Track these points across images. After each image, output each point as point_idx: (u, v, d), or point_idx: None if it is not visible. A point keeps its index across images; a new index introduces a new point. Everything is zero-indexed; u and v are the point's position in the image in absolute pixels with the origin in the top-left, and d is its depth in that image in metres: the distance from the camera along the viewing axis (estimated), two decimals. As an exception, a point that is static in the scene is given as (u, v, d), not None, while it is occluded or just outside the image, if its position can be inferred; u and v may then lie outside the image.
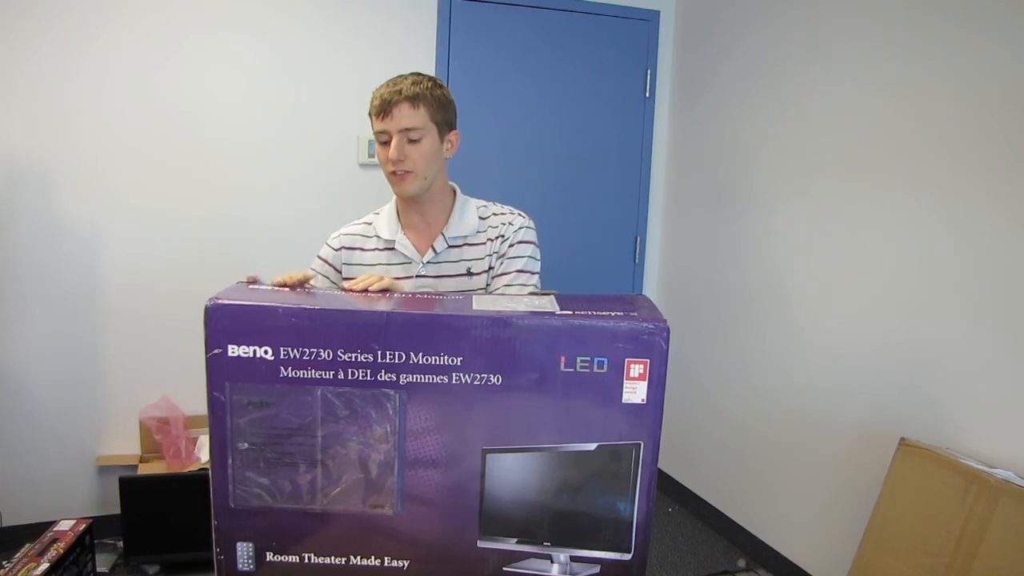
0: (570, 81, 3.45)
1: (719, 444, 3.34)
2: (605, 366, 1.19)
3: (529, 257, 1.71)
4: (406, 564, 1.25)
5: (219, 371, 1.18)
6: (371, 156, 3.22)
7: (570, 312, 1.21)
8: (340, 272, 1.74)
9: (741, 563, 3.06)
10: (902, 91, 2.40)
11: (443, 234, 1.69)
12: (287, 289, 1.33)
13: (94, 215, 2.92)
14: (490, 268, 1.70)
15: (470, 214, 1.72)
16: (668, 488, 3.70)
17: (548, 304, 1.26)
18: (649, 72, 3.56)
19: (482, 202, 1.77)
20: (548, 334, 1.18)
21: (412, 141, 1.61)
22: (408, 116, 1.59)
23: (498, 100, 3.38)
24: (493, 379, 1.18)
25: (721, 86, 3.27)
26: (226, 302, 1.18)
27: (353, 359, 1.17)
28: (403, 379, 1.18)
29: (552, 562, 1.26)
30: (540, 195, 3.51)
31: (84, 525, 2.50)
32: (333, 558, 1.25)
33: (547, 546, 1.26)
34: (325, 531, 1.24)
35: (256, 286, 1.32)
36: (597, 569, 1.26)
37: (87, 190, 2.91)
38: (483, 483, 1.22)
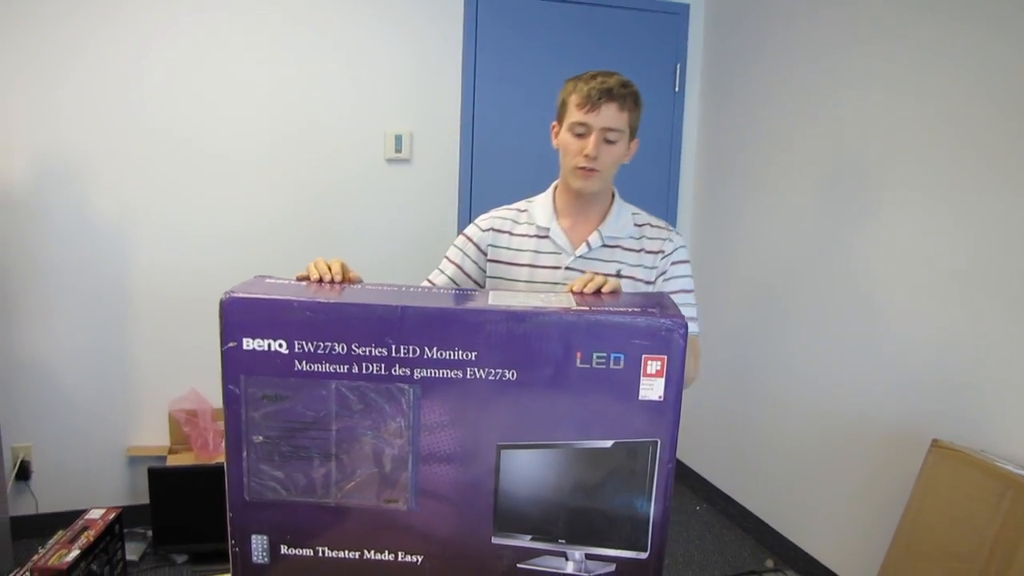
0: (599, 75, 3.41)
1: (748, 442, 3.30)
2: (622, 362, 1.17)
3: (690, 277, 1.73)
4: (420, 559, 1.25)
5: (234, 364, 1.18)
6: (397, 151, 3.22)
7: (587, 308, 1.19)
8: (485, 254, 1.75)
9: (769, 563, 3.02)
10: (934, 88, 2.34)
11: (599, 231, 1.69)
12: (305, 283, 1.34)
13: (124, 211, 2.96)
14: (652, 282, 1.70)
15: (625, 217, 1.73)
16: (696, 486, 3.67)
17: (566, 300, 1.25)
18: (679, 67, 3.52)
19: (635, 208, 1.78)
20: (564, 329, 1.16)
21: (608, 142, 1.62)
22: (614, 117, 1.60)
23: (525, 93, 3.36)
24: (508, 374, 1.17)
25: (752, 81, 3.22)
26: (241, 295, 1.18)
27: (367, 353, 1.17)
28: (417, 373, 1.17)
29: (567, 559, 1.25)
30: (568, 190, 3.49)
31: (114, 514, 2.52)
32: (347, 552, 1.25)
33: (562, 543, 1.24)
34: (339, 525, 1.24)
35: (274, 280, 1.32)
36: (612, 567, 1.25)
37: (117, 187, 2.95)
38: (497, 479, 1.21)
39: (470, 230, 1.79)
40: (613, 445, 1.21)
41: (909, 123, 2.44)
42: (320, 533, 1.25)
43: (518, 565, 1.24)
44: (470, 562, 1.25)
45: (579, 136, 1.62)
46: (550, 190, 1.79)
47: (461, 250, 1.78)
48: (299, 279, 1.36)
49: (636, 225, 1.73)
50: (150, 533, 2.89)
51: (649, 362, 1.18)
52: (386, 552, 1.25)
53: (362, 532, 1.24)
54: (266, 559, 1.26)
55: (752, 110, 3.22)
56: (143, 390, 3.05)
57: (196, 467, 2.83)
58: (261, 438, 1.21)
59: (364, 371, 1.17)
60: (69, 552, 2.32)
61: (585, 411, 1.19)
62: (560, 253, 1.69)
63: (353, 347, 1.17)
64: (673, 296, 1.63)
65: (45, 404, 2.96)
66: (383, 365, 1.17)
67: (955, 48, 2.28)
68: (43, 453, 2.98)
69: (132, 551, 2.85)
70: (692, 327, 1.68)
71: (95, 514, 2.53)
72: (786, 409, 3.04)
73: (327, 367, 1.17)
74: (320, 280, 1.35)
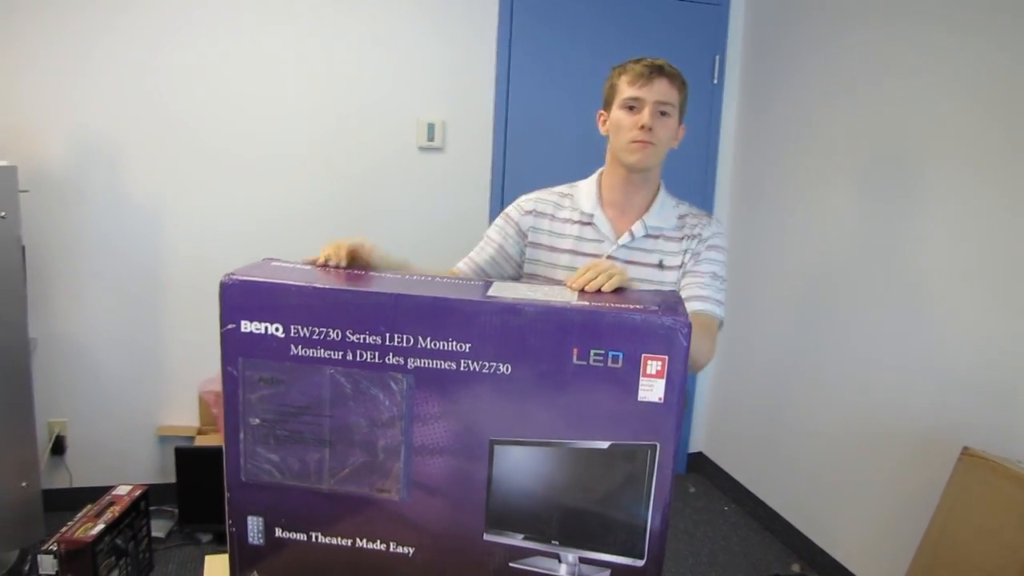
0: (636, 66, 3.36)
1: (780, 444, 3.23)
2: (620, 361, 1.12)
3: (723, 263, 1.72)
4: (412, 551, 1.23)
5: (232, 346, 1.18)
6: (430, 140, 3.22)
7: (587, 303, 1.16)
8: (525, 236, 1.76)
9: (796, 568, 2.96)
10: (981, 79, 2.25)
11: (644, 220, 1.69)
12: (310, 267, 1.33)
13: (159, 192, 3.00)
14: (682, 264, 1.70)
15: (670, 208, 1.73)
16: (725, 486, 3.61)
17: (567, 294, 1.22)
18: (717, 58, 3.45)
19: (678, 201, 1.78)
20: (560, 324, 1.12)
21: (663, 114, 1.63)
22: (666, 91, 1.62)
23: (559, 83, 3.32)
24: (502, 368, 1.14)
25: (792, 72, 3.14)
26: (240, 278, 1.19)
27: (361, 340, 1.15)
28: (411, 363, 1.15)
29: (560, 562, 1.22)
30: (602, 182, 3.45)
31: (139, 491, 2.58)
32: (340, 539, 1.25)
33: (555, 544, 1.21)
34: (332, 512, 1.24)
35: (280, 263, 1.32)
36: (607, 573, 1.21)
37: (152, 173, 2.99)
38: (490, 475, 1.18)
39: (512, 211, 1.79)
40: (610, 447, 1.16)
41: (955, 116, 2.36)
42: (313, 518, 1.25)
43: (510, 564, 1.22)
44: (461, 557, 1.23)
45: (632, 110, 1.64)
46: (595, 176, 1.79)
47: (503, 229, 1.78)
48: (307, 263, 1.36)
49: (680, 216, 1.73)
50: (177, 511, 2.94)
51: (649, 362, 1.13)
52: (378, 542, 1.24)
53: (354, 520, 1.24)
54: (261, 540, 1.27)
55: (793, 102, 3.14)
56: (174, 371, 3.10)
57: (221, 448, 2.86)
58: (257, 420, 1.21)
59: (358, 358, 1.16)
60: (95, 526, 2.37)
61: (581, 410, 1.15)
62: (603, 241, 1.70)
63: (348, 334, 1.15)
64: (701, 277, 1.67)
65: (80, 382, 3.03)
66: (377, 353, 1.16)
67: (1002, 36, 2.19)
68: (78, 429, 3.05)
69: (159, 528, 2.90)
70: (716, 309, 1.68)
71: (122, 490, 2.59)
72: (819, 411, 2.97)
73: (322, 352, 1.16)
74: (325, 264, 1.34)
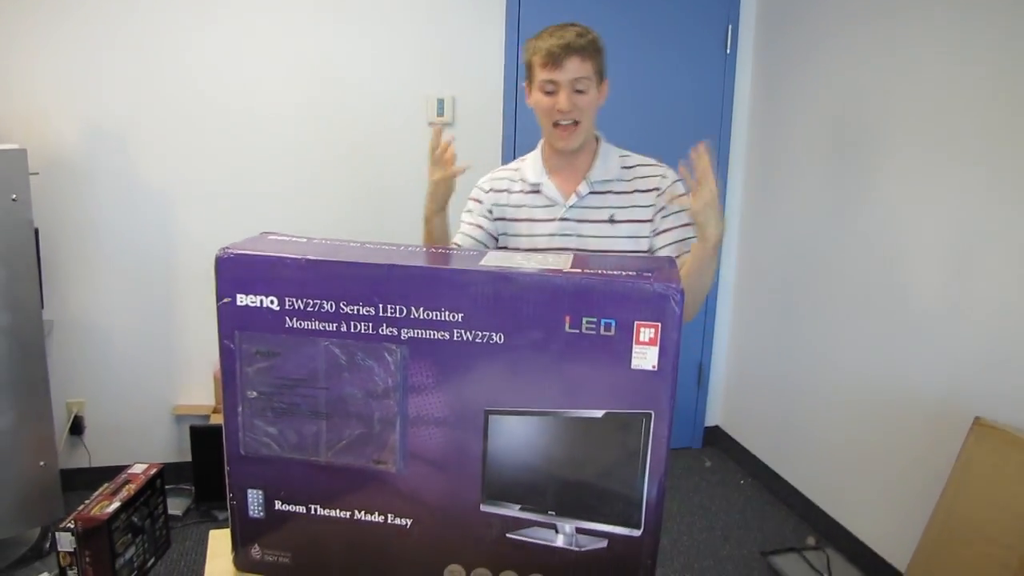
0: (645, 37, 3.32)
1: (795, 417, 3.21)
2: (613, 328, 1.11)
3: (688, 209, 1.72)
4: (409, 523, 1.24)
5: (229, 320, 1.19)
6: (440, 115, 3.20)
7: (579, 270, 1.14)
8: (492, 213, 1.81)
9: (811, 540, 2.94)
10: (1000, 53, 2.20)
11: (587, 178, 1.73)
12: (305, 240, 1.33)
13: (171, 173, 3.02)
14: (650, 220, 1.72)
15: (612, 160, 1.76)
16: (741, 459, 3.60)
17: (561, 262, 1.20)
18: (730, 28, 3.39)
19: (623, 151, 1.80)
20: (552, 292, 1.11)
21: (579, 91, 1.66)
22: (577, 68, 1.64)
23: (571, 58, 3.29)
24: (495, 337, 1.14)
25: (809, 43, 3.08)
26: (236, 252, 1.18)
27: (355, 311, 1.16)
28: (404, 334, 1.15)
29: (557, 532, 1.22)
30: (613, 156, 3.41)
31: (155, 469, 2.60)
32: (338, 511, 1.25)
33: (552, 515, 1.21)
34: (330, 483, 1.24)
35: (277, 237, 1.32)
36: (604, 543, 1.21)
37: (164, 153, 3.01)
38: (485, 445, 1.18)
39: (475, 193, 1.85)
40: (604, 416, 1.16)
41: (965, 92, 2.30)
42: (312, 490, 1.25)
43: (507, 535, 1.22)
44: (459, 529, 1.23)
45: (549, 94, 1.67)
46: (539, 145, 1.83)
47: (479, 214, 1.83)
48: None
49: (625, 167, 1.76)
50: (194, 489, 2.98)
51: (642, 329, 1.12)
52: (376, 513, 1.24)
53: (352, 492, 1.24)
54: (261, 513, 1.27)
55: (809, 74, 3.08)
56: (188, 351, 3.13)
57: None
58: (255, 393, 1.21)
59: (352, 330, 1.16)
60: (110, 504, 2.40)
61: (575, 378, 1.14)
62: (553, 205, 1.74)
63: (342, 305, 1.16)
64: (678, 228, 1.70)
65: (97, 362, 3.07)
66: (371, 324, 1.16)
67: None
68: (96, 409, 3.09)
69: (176, 506, 2.94)
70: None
71: (137, 468, 2.62)
72: (834, 384, 2.94)
73: (316, 324, 1.17)
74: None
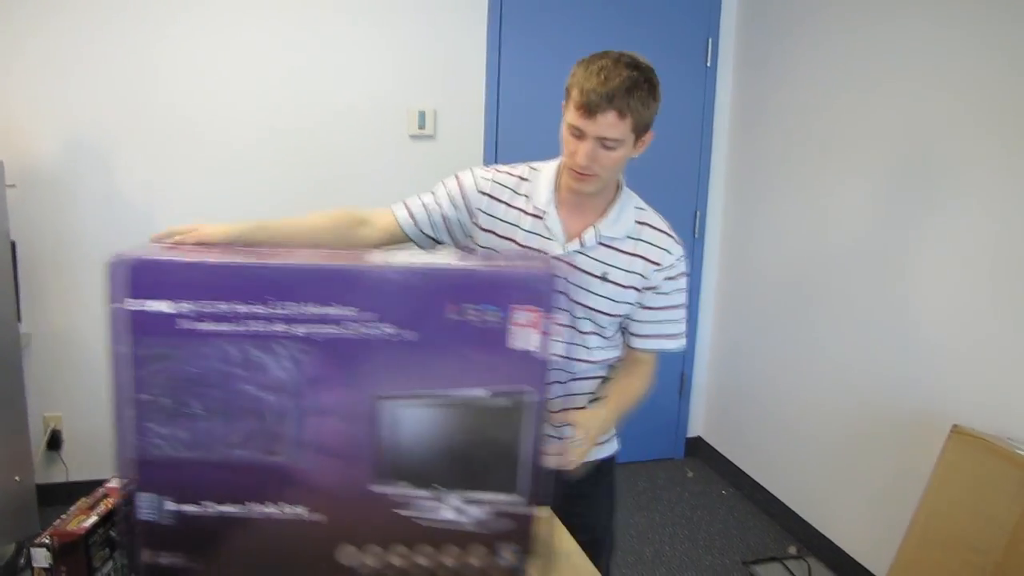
0: (627, 48, 3.33)
1: (777, 428, 3.22)
2: (493, 314, 1.22)
3: (683, 291, 1.63)
4: (305, 511, 1.27)
5: (120, 325, 1.21)
6: (421, 128, 3.21)
7: (460, 263, 1.24)
8: (474, 215, 1.62)
9: (792, 550, 2.96)
10: (978, 69, 2.23)
11: (596, 228, 1.56)
12: (195, 244, 1.40)
13: (150, 185, 3.00)
14: (634, 288, 1.58)
15: (628, 214, 1.59)
16: (723, 470, 3.61)
17: (445, 256, 1.29)
18: (711, 41, 3.42)
19: (641, 204, 1.64)
20: (436, 282, 1.20)
21: (607, 148, 1.47)
22: (611, 126, 1.44)
23: (552, 68, 3.28)
24: (385, 328, 1.21)
25: (789, 57, 3.11)
26: (127, 257, 1.21)
27: (248, 311, 1.20)
28: (297, 330, 1.20)
29: (445, 505, 1.29)
30: (594, 168, 3.43)
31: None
32: (233, 506, 1.27)
33: (440, 489, 1.28)
34: (225, 479, 1.26)
35: (165, 244, 1.38)
36: (489, 512, 1.30)
37: (142, 166, 2.99)
38: (376, 431, 1.25)
39: (467, 182, 1.64)
40: (487, 394, 1.25)
41: (949, 107, 2.34)
42: (206, 488, 1.27)
43: (396, 511, 1.28)
44: (353, 512, 1.28)
45: (576, 137, 1.47)
46: (555, 165, 1.63)
47: (454, 201, 1.64)
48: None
49: (637, 223, 1.59)
50: (173, 503, 2.95)
51: (519, 313, 1.22)
52: (271, 505, 1.27)
53: (247, 486, 1.27)
54: (153, 516, 1.27)
55: (789, 86, 3.12)
56: (169, 363, 3.10)
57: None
58: (147, 396, 1.22)
59: (246, 329, 1.20)
60: (88, 518, 2.37)
61: (460, 362, 1.23)
62: (552, 240, 1.56)
63: (234, 305, 1.20)
64: (660, 311, 1.61)
65: (75, 376, 3.04)
66: (264, 322, 1.20)
67: (1003, 25, 2.17)
68: (73, 423, 3.06)
69: (155, 520, 2.91)
70: (668, 344, 1.65)
71: (116, 483, 2.60)
72: (815, 394, 2.96)
73: (210, 325, 1.20)
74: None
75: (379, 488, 1.27)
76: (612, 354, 1.66)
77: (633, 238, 1.57)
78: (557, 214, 1.57)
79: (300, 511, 1.27)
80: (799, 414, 3.06)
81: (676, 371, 3.74)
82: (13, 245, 2.53)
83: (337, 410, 1.24)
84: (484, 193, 1.62)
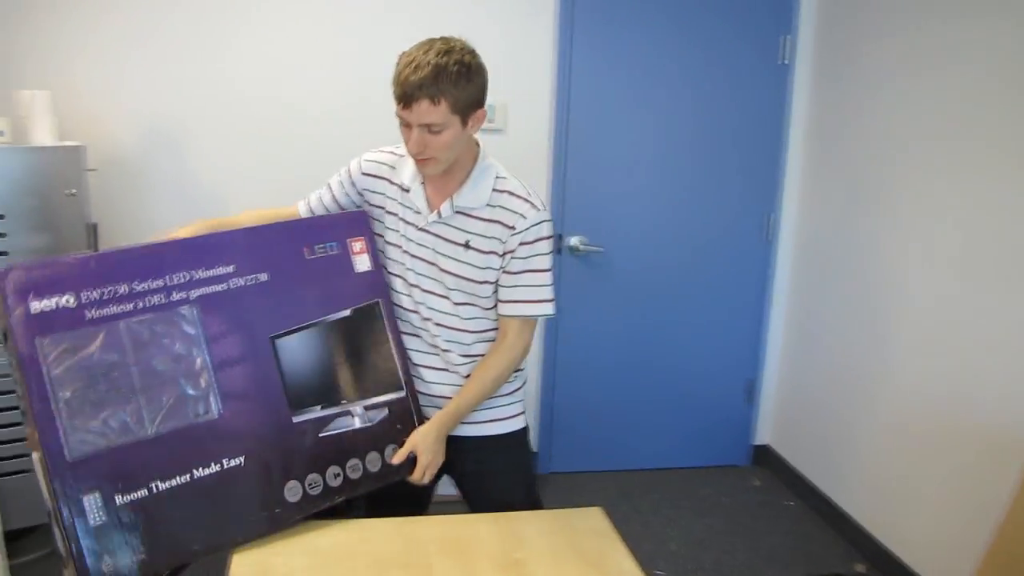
0: (698, 47, 3.27)
1: (848, 439, 3.10)
2: (336, 249, 1.56)
3: (544, 255, 1.67)
4: (243, 459, 1.40)
5: (26, 329, 1.24)
6: (490, 121, 3.19)
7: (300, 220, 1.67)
8: (361, 195, 1.77)
9: (859, 568, 2.85)
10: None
11: (452, 199, 1.65)
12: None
13: (224, 173, 3.08)
14: (495, 253, 1.65)
15: (484, 185, 1.65)
16: (789, 480, 3.50)
17: (289, 212, 1.77)
18: (788, 39, 3.31)
19: (503, 173, 1.69)
20: (290, 232, 1.54)
21: (433, 132, 1.54)
22: (427, 112, 1.52)
23: (620, 61, 3.26)
24: (262, 277, 1.46)
25: (870, 55, 2.99)
26: (18, 264, 1.27)
27: (147, 288, 1.34)
28: (193, 294, 1.38)
29: (353, 416, 1.53)
30: (663, 167, 3.38)
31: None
32: (179, 477, 1.34)
33: (345, 403, 1.52)
34: (164, 454, 1.33)
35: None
36: (386, 411, 1.58)
37: (219, 149, 3.07)
38: (279, 365, 1.45)
39: (353, 168, 1.78)
40: (351, 312, 1.56)
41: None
42: (150, 469, 1.32)
43: (320, 435, 1.48)
44: (283, 445, 1.44)
45: (405, 127, 1.57)
46: None
47: (342, 185, 1.80)
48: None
49: (495, 190, 1.65)
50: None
51: (353, 243, 1.58)
52: (212, 464, 1.37)
53: (186, 453, 1.35)
54: (103, 518, 1.27)
55: (871, 85, 2.99)
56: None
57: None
58: (69, 392, 1.26)
59: (148, 304, 1.34)
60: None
61: (324, 291, 1.53)
62: (420, 213, 1.68)
63: (133, 285, 1.33)
64: (519, 275, 1.66)
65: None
66: (162, 295, 1.35)
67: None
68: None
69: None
70: (542, 309, 1.71)
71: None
72: (888, 404, 2.84)
73: (114, 309, 1.31)
74: None
75: (300, 417, 1.47)
76: (490, 325, 1.75)
77: (491, 205, 1.64)
78: (423, 190, 1.68)
79: (240, 461, 1.40)
80: (872, 426, 2.94)
81: (744, 376, 3.65)
82: (95, 227, 2.61)
83: (243, 357, 1.42)
84: (367, 174, 1.76)
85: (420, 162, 1.61)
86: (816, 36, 3.33)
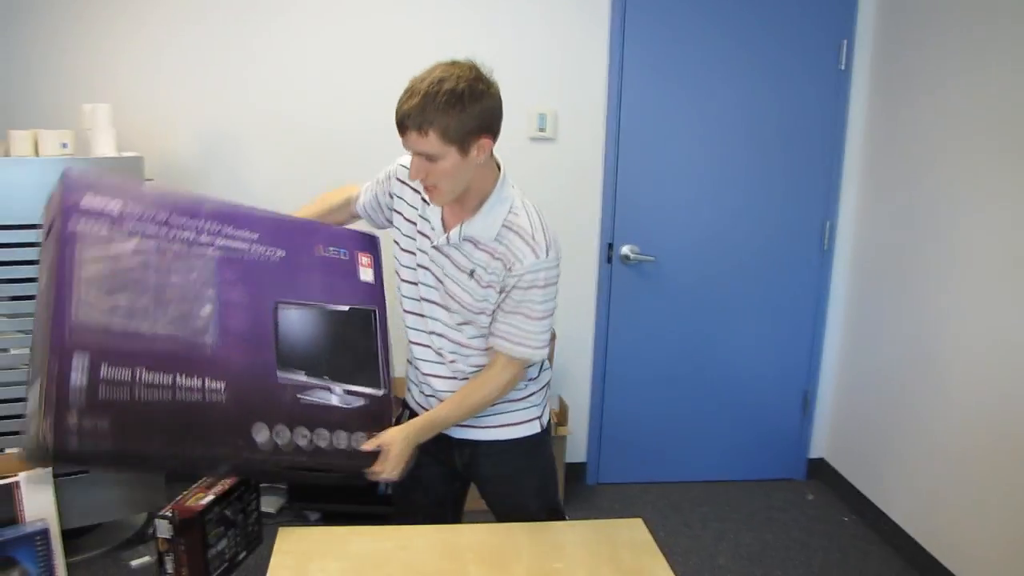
0: (752, 53, 3.22)
1: (907, 454, 3.01)
2: (345, 255, 1.72)
3: (532, 301, 1.63)
4: (223, 386, 1.48)
5: (71, 216, 1.39)
6: (541, 130, 3.21)
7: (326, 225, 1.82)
8: (390, 198, 1.79)
9: (917, 587, 2.76)
10: None
11: (462, 227, 1.63)
12: None
13: (278, 182, 3.13)
14: (493, 286, 1.64)
15: (495, 217, 1.63)
16: (846, 495, 3.42)
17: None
18: (845, 42, 3.25)
19: (518, 208, 1.65)
20: (312, 230, 1.73)
21: (431, 161, 1.54)
22: (416, 142, 1.52)
23: (673, 70, 3.23)
24: (279, 252, 1.62)
25: (931, 59, 2.90)
26: (83, 168, 1.53)
27: (181, 223, 1.51)
28: (218, 243, 1.54)
29: (332, 393, 1.62)
30: (717, 174, 3.34)
31: (250, 467, 2.70)
32: (162, 376, 1.41)
33: (327, 379, 1.62)
34: (156, 351, 1.42)
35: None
36: (363, 401, 1.66)
37: (272, 159, 3.15)
38: (276, 327, 1.58)
39: (391, 169, 1.80)
40: (349, 309, 1.69)
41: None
42: (138, 357, 1.40)
43: (298, 396, 1.57)
44: (262, 393, 1.54)
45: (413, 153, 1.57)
46: None
47: (381, 185, 1.83)
48: None
49: (505, 226, 1.62)
50: (287, 489, 3.07)
51: (361, 256, 1.75)
52: (195, 378, 1.45)
53: (175, 360, 1.44)
54: (85, 380, 1.34)
55: (933, 90, 2.91)
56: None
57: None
58: (91, 273, 1.39)
59: (178, 237, 1.50)
60: (205, 496, 2.50)
61: (329, 283, 1.67)
62: (435, 230, 1.68)
63: (171, 218, 1.50)
64: (508, 315, 1.65)
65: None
66: (192, 233, 1.52)
67: None
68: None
69: (270, 504, 3.04)
70: (526, 352, 1.66)
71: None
72: (948, 422, 2.75)
73: (150, 228, 1.47)
74: None
75: (284, 375, 1.57)
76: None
77: (498, 240, 1.63)
78: (440, 209, 1.68)
79: (220, 387, 1.49)
80: (930, 441, 2.85)
81: (799, 388, 3.58)
82: (153, 235, 2.70)
83: (247, 308, 1.55)
84: (399, 180, 1.77)
85: (426, 189, 1.62)
86: (875, 41, 3.26)
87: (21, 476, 2.22)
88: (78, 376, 1.34)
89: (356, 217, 1.91)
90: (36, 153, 2.51)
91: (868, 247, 3.32)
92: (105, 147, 2.63)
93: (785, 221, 3.41)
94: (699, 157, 3.33)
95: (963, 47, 2.72)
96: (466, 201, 1.64)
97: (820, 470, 3.64)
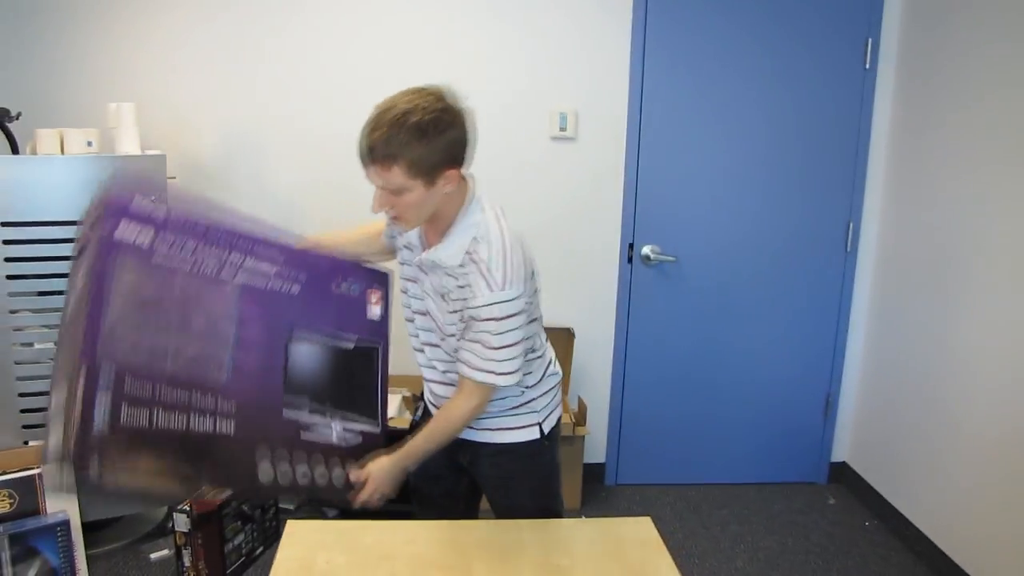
0: (774, 52, 3.19)
1: (931, 459, 2.97)
2: (357, 292, 1.77)
3: (487, 332, 1.58)
4: (233, 425, 1.55)
5: (106, 245, 1.44)
6: (562, 130, 3.21)
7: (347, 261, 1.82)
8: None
9: (939, 593, 2.72)
10: None
11: (432, 251, 1.63)
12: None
13: (300, 181, 3.18)
14: (461, 318, 1.63)
15: (459, 245, 1.60)
16: (868, 500, 3.37)
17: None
18: (870, 41, 3.21)
19: (482, 235, 1.60)
20: (330, 265, 1.75)
21: (395, 194, 1.52)
22: (379, 177, 1.51)
23: (696, 69, 3.21)
24: (294, 288, 1.67)
25: (958, 59, 2.86)
26: (125, 192, 1.50)
27: (208, 254, 1.55)
28: (239, 278, 1.59)
29: (331, 431, 1.71)
30: (739, 174, 3.31)
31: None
32: (177, 415, 1.49)
33: (328, 416, 1.70)
34: (173, 390, 1.49)
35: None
36: (360, 439, 1.75)
37: (294, 157, 3.17)
38: (286, 361, 1.65)
39: None
40: (355, 345, 1.77)
41: None
42: (157, 393, 1.47)
43: (302, 436, 1.65)
44: (269, 430, 1.61)
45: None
46: None
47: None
48: None
49: (467, 253, 1.58)
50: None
51: (372, 294, 1.80)
52: (208, 416, 1.52)
53: (190, 398, 1.51)
54: (108, 387, 1.42)
55: (960, 90, 2.86)
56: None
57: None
58: (119, 303, 1.45)
59: (201, 270, 1.54)
60: (223, 492, 2.54)
61: (339, 319, 1.74)
62: (415, 249, 1.71)
63: (198, 247, 1.54)
64: (466, 341, 1.63)
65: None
66: (215, 266, 1.56)
67: None
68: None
69: (289, 500, 3.06)
70: (486, 378, 1.61)
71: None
72: (972, 427, 2.70)
73: (176, 262, 1.51)
74: None
75: (289, 413, 1.64)
76: None
77: (461, 267, 1.59)
78: (420, 227, 1.69)
79: (230, 425, 1.55)
80: (955, 447, 2.80)
81: (821, 391, 3.54)
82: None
83: (259, 344, 1.62)
84: None
85: (391, 219, 1.61)
86: (901, 39, 3.22)
87: (43, 469, 2.26)
88: (105, 381, 1.41)
89: (391, 248, 1.88)
90: (62, 151, 2.56)
91: (892, 249, 3.28)
92: (129, 145, 2.68)
93: (808, 222, 3.37)
94: (721, 156, 3.30)
95: (992, 45, 2.67)
96: (436, 224, 1.64)
97: (842, 474, 3.60)
